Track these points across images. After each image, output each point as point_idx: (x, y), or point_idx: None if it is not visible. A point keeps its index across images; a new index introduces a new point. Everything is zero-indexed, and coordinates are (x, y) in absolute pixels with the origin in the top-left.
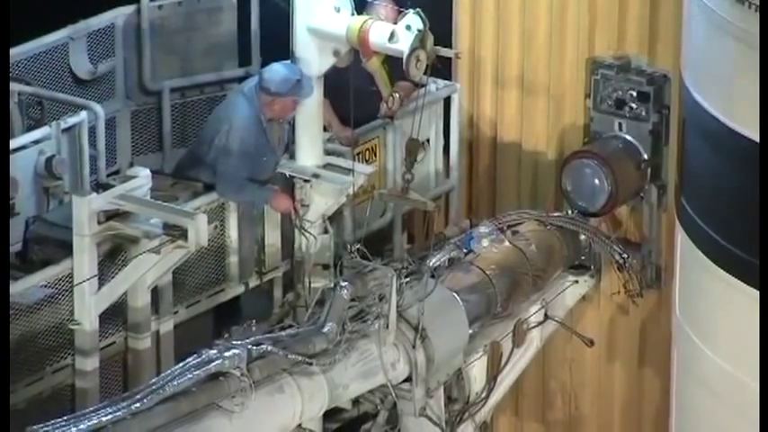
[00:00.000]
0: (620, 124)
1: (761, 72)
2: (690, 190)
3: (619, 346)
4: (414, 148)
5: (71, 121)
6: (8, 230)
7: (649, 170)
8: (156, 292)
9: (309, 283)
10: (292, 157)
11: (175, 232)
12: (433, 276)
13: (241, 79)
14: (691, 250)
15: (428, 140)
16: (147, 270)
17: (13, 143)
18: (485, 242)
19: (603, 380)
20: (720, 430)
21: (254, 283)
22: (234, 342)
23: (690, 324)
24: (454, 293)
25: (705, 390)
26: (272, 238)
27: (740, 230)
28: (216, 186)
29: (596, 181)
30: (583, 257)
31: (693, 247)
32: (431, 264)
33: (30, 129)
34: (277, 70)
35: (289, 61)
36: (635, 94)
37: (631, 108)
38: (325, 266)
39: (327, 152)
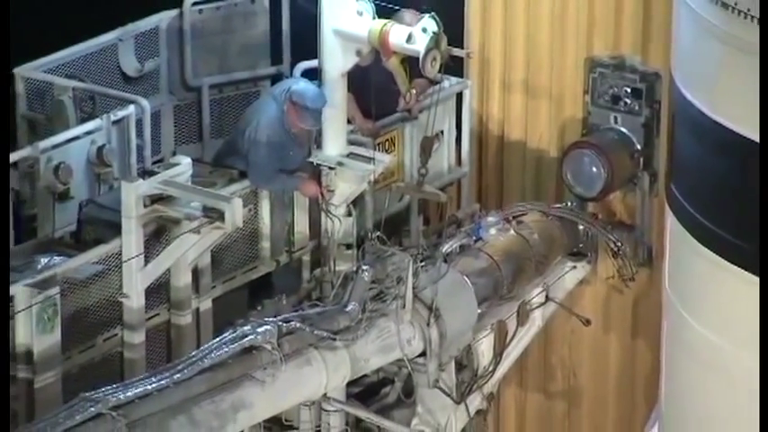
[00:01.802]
0: (615, 118)
1: (761, 73)
2: (678, 177)
3: (613, 321)
4: (428, 146)
5: (120, 114)
6: (8, 231)
7: (642, 159)
8: (196, 272)
9: (334, 262)
10: (319, 146)
11: (214, 214)
12: (445, 261)
13: (273, 77)
14: (679, 232)
15: (442, 132)
16: (188, 248)
17: (68, 134)
18: (492, 231)
19: (600, 351)
20: (706, 395)
21: (284, 260)
22: (266, 319)
23: (678, 299)
24: (465, 277)
25: (692, 358)
26: (301, 220)
27: (724, 213)
28: (248, 176)
29: (594, 169)
30: (581, 245)
31: (682, 228)
32: (444, 250)
33: (83, 121)
34: (306, 89)
35: (322, 89)
36: (629, 90)
37: (626, 103)
38: (348, 246)
39: (351, 142)
